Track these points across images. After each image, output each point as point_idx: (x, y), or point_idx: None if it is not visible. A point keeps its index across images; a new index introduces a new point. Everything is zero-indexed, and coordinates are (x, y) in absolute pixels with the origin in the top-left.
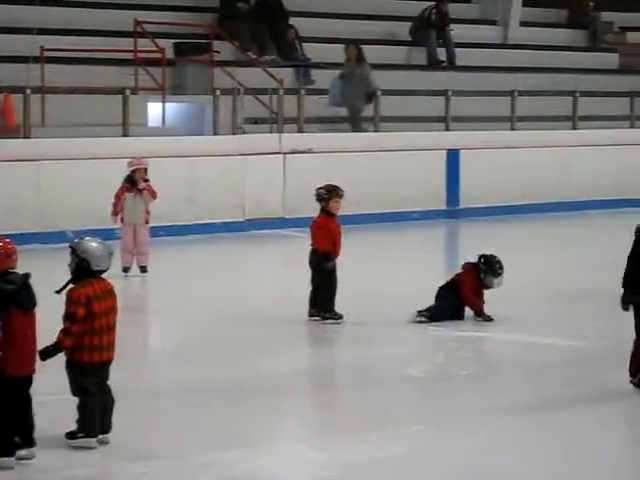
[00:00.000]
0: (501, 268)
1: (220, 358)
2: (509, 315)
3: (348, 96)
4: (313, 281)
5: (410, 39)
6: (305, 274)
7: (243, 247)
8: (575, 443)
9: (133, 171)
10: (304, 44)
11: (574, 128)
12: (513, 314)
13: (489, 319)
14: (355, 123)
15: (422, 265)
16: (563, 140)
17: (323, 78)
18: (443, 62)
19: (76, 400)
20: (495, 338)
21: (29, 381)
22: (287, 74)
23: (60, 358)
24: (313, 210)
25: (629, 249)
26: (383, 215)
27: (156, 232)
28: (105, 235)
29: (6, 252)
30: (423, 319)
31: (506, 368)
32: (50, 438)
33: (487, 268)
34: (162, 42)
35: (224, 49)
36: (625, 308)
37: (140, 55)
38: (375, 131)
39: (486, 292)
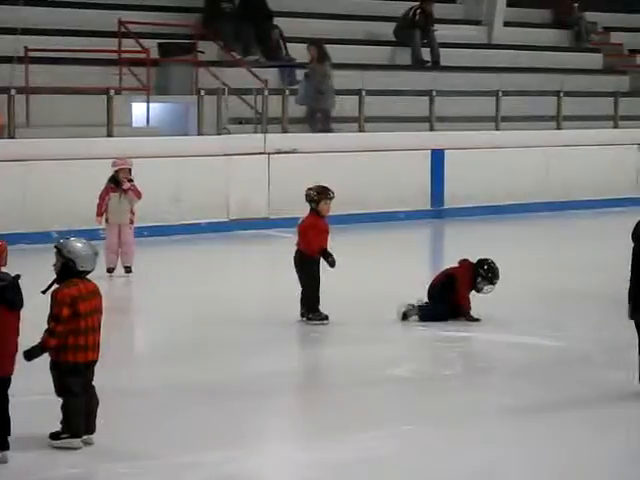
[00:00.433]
0: (497, 278)
1: (205, 358)
2: (495, 315)
3: (309, 96)
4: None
5: (394, 39)
6: (290, 274)
7: (228, 247)
8: (562, 442)
9: (117, 171)
10: (288, 44)
11: (558, 128)
12: (499, 314)
13: (475, 319)
14: (314, 123)
15: (408, 265)
16: (547, 140)
17: None
18: (427, 62)
19: (60, 400)
20: (482, 338)
21: (8, 382)
22: (272, 74)
23: (45, 358)
24: (298, 210)
25: (614, 249)
26: (368, 215)
27: (140, 232)
28: (90, 235)
29: None
30: (412, 308)
31: (493, 368)
32: (34, 439)
33: (486, 275)
34: (146, 42)
35: (208, 49)
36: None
37: (124, 55)
38: (360, 131)
39: (471, 293)
